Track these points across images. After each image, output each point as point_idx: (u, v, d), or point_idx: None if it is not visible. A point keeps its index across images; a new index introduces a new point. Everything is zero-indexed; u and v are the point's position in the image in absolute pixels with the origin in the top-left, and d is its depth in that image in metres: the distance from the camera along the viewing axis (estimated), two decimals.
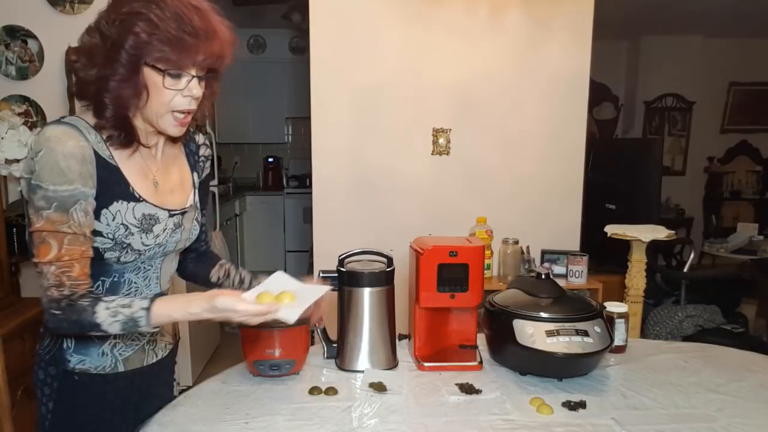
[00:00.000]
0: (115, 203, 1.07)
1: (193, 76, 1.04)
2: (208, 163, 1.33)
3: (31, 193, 1.01)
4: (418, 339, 1.41)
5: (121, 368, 1.16)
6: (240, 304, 1.00)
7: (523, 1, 2.69)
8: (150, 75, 1.01)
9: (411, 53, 2.70)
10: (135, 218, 1.09)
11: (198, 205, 1.27)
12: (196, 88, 1.05)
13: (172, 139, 1.21)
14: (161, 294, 1.05)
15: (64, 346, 1.12)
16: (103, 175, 1.05)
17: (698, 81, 5.90)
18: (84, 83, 1.04)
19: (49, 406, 1.14)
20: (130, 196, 1.09)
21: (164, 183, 1.17)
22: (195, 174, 1.27)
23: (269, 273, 1.18)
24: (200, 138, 1.31)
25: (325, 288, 1.17)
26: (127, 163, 1.10)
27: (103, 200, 1.05)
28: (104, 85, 1.02)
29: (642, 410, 1.16)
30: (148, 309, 1.01)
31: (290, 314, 1.03)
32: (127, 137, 1.07)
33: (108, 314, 1.00)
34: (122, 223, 1.07)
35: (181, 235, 1.20)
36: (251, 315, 1.01)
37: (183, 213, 1.20)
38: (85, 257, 1.03)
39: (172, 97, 1.04)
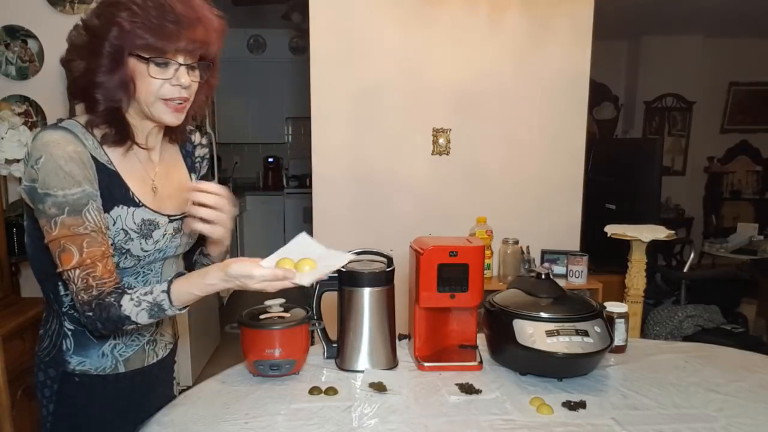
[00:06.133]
0: (116, 208, 1.06)
1: (180, 65, 1.03)
2: (205, 163, 1.33)
3: (39, 202, 1.00)
4: (418, 339, 1.40)
5: (121, 369, 1.16)
6: (256, 269, 0.99)
7: (523, 1, 2.69)
8: (135, 65, 1.01)
9: (411, 53, 2.70)
10: (135, 223, 1.09)
11: None
12: (184, 77, 1.04)
13: (171, 139, 1.21)
14: (180, 274, 1.05)
15: (64, 347, 1.12)
16: (103, 179, 1.05)
17: (698, 81, 5.90)
18: (74, 79, 1.05)
19: (50, 408, 1.14)
20: (130, 201, 1.08)
21: (163, 188, 1.17)
22: (193, 176, 1.27)
23: None
24: (197, 138, 1.29)
25: (347, 257, 1.14)
26: (126, 167, 1.10)
27: (104, 205, 1.05)
28: (92, 78, 1.02)
29: (642, 410, 1.15)
30: (167, 291, 1.01)
31: (306, 279, 1.02)
32: (119, 134, 1.06)
33: (132, 305, 1.01)
34: (122, 228, 1.07)
35: (181, 240, 1.20)
36: (268, 280, 1.00)
37: (183, 218, 1.19)
38: (107, 256, 1.03)
39: (159, 86, 1.03)
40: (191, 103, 1.10)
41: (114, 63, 1.00)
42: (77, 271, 1.00)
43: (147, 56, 1.00)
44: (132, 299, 1.01)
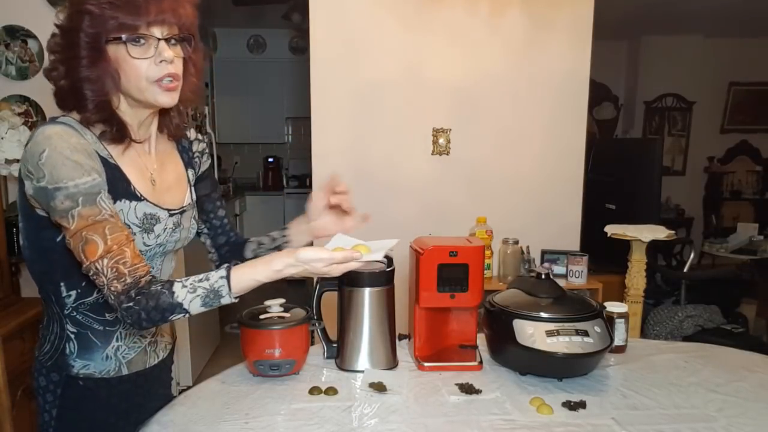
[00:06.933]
0: (118, 203, 1.05)
1: (159, 39, 1.01)
2: (205, 157, 1.31)
3: (51, 199, 0.97)
4: (418, 339, 1.40)
5: (125, 371, 1.15)
6: (324, 253, 1.01)
7: (523, 1, 2.69)
8: (115, 52, 1.00)
9: (411, 53, 2.70)
10: (137, 218, 1.08)
11: (195, 203, 1.26)
12: (166, 51, 1.02)
13: (170, 135, 1.20)
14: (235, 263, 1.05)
15: (67, 351, 1.11)
16: (106, 173, 1.04)
17: (698, 81, 5.89)
18: (58, 84, 1.04)
19: (53, 413, 1.13)
20: (132, 195, 1.08)
21: (161, 181, 1.16)
22: (190, 171, 1.26)
23: None
24: (192, 133, 1.28)
25: (395, 240, 1.19)
26: (125, 161, 1.09)
27: None
28: (75, 75, 1.01)
29: (642, 410, 1.15)
30: (227, 277, 1.00)
31: (376, 256, 1.08)
32: (118, 131, 1.06)
33: (186, 291, 0.99)
34: (125, 223, 1.06)
35: (180, 234, 1.20)
36: (337, 262, 1.02)
37: (182, 212, 1.19)
38: (131, 240, 1.01)
39: (146, 67, 1.01)
40: (181, 83, 1.08)
41: (94, 53, 0.99)
42: (105, 261, 0.97)
43: (121, 36, 0.99)
44: (185, 286, 0.99)
